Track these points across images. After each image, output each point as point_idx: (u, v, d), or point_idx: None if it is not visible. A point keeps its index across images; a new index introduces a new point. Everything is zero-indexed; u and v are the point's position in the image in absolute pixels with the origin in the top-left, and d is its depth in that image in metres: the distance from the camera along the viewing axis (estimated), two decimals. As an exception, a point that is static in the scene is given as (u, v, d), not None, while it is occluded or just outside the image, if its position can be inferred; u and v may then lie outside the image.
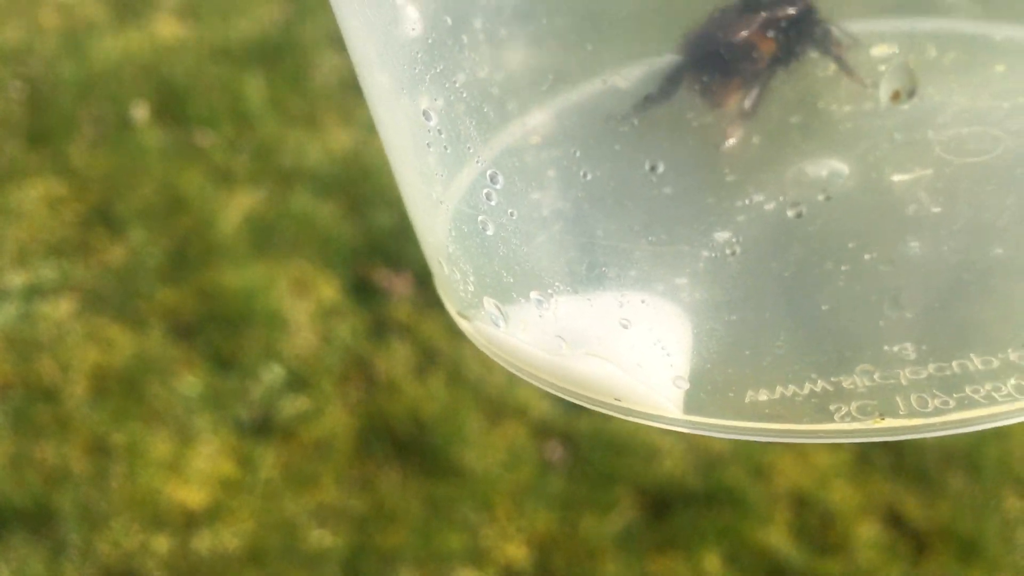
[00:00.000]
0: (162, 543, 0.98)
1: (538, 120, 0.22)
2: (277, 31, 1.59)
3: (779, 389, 0.20)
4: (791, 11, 0.21)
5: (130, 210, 1.29)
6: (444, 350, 1.14)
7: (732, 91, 0.21)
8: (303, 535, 0.98)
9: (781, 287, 0.21)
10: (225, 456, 1.04)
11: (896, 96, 0.19)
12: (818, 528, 1.00)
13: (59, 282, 1.20)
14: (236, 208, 1.29)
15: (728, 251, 0.20)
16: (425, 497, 1.01)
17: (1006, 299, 0.20)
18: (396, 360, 1.13)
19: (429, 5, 0.20)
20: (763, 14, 0.21)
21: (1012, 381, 0.18)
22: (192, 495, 1.01)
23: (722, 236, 0.20)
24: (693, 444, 1.06)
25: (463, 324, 0.24)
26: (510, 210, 0.22)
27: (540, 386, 0.22)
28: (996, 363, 0.18)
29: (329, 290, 1.20)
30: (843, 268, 0.20)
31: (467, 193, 0.22)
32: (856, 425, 0.19)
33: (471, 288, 0.23)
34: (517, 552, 0.98)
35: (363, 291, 1.21)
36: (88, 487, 1.01)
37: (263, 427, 1.07)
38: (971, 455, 1.04)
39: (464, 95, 0.21)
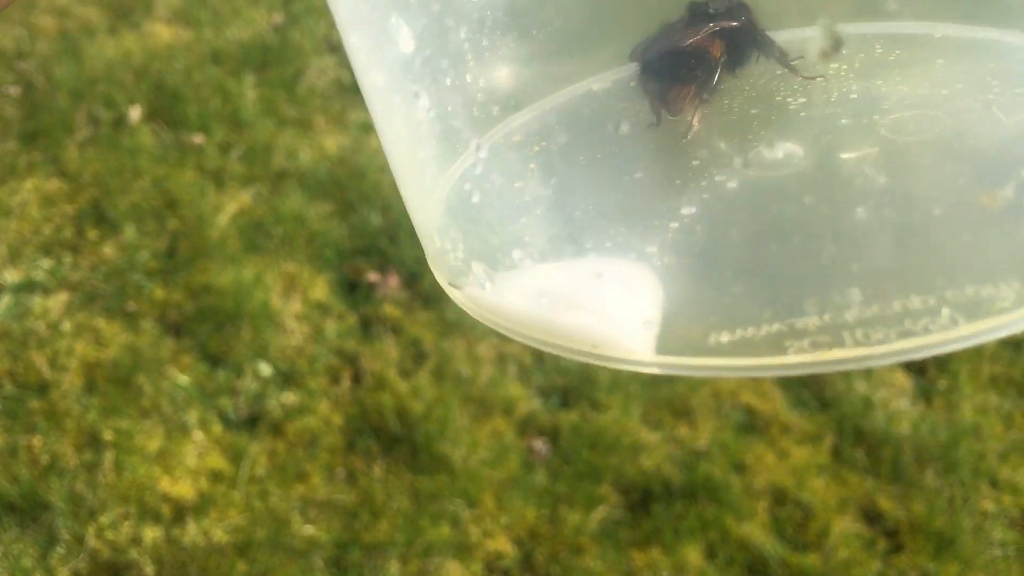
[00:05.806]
0: (151, 535, 0.98)
1: (522, 120, 0.25)
2: (269, 36, 1.61)
3: (739, 331, 0.22)
4: (734, 23, 0.24)
5: (123, 209, 1.30)
6: (431, 348, 1.15)
7: (688, 96, 0.25)
8: (291, 528, 0.99)
9: (741, 249, 0.23)
10: (214, 450, 1.05)
11: (824, 54, 0.22)
12: (796, 523, 1.01)
13: (52, 279, 1.21)
14: (227, 208, 1.31)
15: (695, 224, 0.23)
16: (411, 492, 1.03)
17: (942, 250, 0.22)
18: (383, 357, 1.14)
19: (420, 21, 0.23)
20: (711, 25, 0.24)
21: (946, 311, 0.20)
22: (181, 488, 1.02)
23: (689, 211, 0.23)
24: (675, 439, 1.08)
25: (454, 293, 0.26)
26: (493, 176, 0.24)
27: (525, 342, 0.24)
28: (933, 301, 0.21)
29: (318, 289, 1.22)
30: (798, 230, 0.22)
31: (458, 168, 0.25)
32: (808, 357, 0.21)
33: (460, 255, 0.25)
34: (501, 546, 0.99)
35: (352, 290, 1.22)
36: (79, 480, 1.02)
37: (252, 422, 1.08)
38: (946, 454, 1.06)
39: (456, 97, 0.24)
